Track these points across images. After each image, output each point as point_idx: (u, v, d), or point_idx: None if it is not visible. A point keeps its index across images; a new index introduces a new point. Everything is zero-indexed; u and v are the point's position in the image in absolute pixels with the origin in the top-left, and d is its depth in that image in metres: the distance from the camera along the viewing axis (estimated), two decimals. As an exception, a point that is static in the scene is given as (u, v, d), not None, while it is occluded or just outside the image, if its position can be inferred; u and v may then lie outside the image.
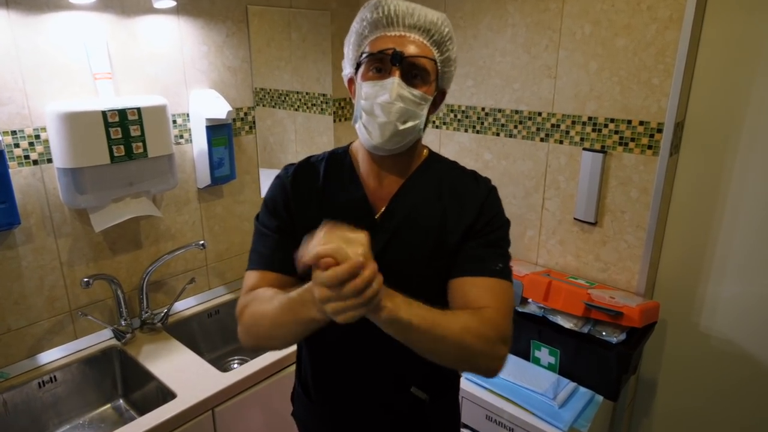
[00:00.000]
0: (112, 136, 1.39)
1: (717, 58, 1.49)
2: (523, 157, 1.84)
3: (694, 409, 1.75)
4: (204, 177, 1.73)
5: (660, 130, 1.51)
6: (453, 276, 0.88)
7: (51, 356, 1.50)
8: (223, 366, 1.82)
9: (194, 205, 1.78)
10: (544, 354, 1.60)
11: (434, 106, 0.92)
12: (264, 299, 0.84)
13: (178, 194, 1.72)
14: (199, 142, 1.69)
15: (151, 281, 1.69)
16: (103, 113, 1.36)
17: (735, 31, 1.45)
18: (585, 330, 1.50)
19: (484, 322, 0.79)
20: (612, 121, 1.60)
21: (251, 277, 0.92)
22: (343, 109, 2.19)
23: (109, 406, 1.59)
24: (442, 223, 0.90)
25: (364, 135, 0.88)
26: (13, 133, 1.33)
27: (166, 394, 1.39)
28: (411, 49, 0.84)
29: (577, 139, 1.69)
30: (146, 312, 1.67)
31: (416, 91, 0.85)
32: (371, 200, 0.93)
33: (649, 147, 1.54)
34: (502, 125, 1.86)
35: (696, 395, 1.73)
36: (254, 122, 1.90)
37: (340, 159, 0.98)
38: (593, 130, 1.65)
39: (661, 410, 1.84)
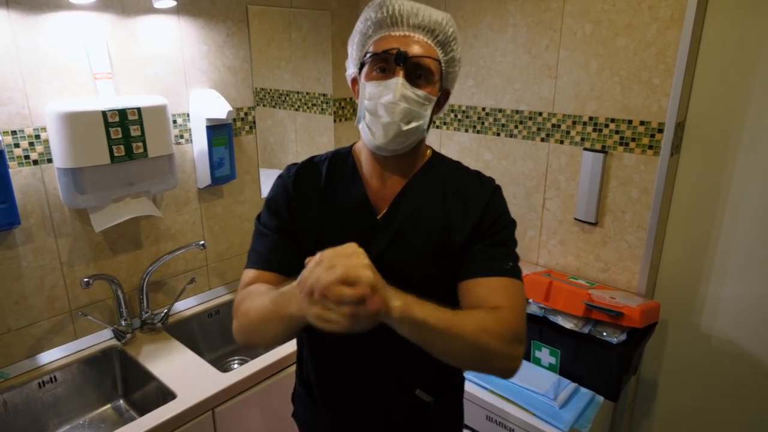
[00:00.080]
0: (113, 136, 1.39)
1: (718, 58, 1.49)
2: (524, 157, 1.83)
3: (695, 410, 1.74)
4: (204, 177, 1.72)
5: (661, 130, 1.51)
6: (463, 278, 0.87)
7: (51, 356, 1.50)
8: (223, 366, 1.82)
9: (194, 205, 1.78)
10: (544, 354, 1.60)
11: (438, 106, 0.92)
12: (257, 294, 0.84)
13: (179, 194, 1.72)
14: (200, 142, 1.69)
15: (152, 281, 1.69)
16: (104, 113, 1.36)
17: (736, 30, 1.44)
18: (585, 330, 1.50)
19: (501, 322, 0.78)
20: (613, 121, 1.60)
21: (248, 275, 0.92)
22: (343, 109, 2.19)
23: (109, 406, 1.59)
24: (446, 223, 0.90)
25: (368, 135, 0.88)
26: (13, 133, 1.33)
27: (166, 395, 1.39)
28: (415, 49, 0.83)
29: (577, 139, 1.69)
30: (146, 312, 1.66)
31: (420, 92, 0.84)
32: (373, 200, 0.92)
33: (650, 147, 1.54)
34: (503, 125, 1.86)
35: (697, 395, 1.73)
36: (254, 122, 1.90)
37: (343, 159, 0.97)
38: (594, 130, 1.64)
39: (662, 411, 1.83)
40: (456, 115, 1.99)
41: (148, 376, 1.47)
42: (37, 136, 1.37)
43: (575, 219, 1.74)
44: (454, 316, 0.75)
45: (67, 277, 1.50)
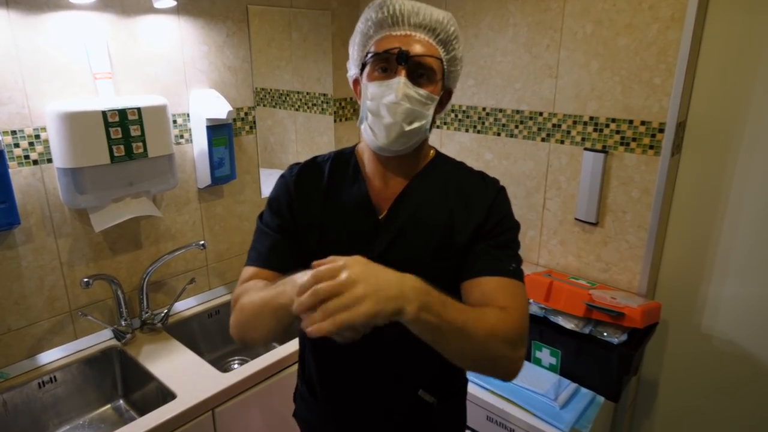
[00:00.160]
0: (112, 136, 1.39)
1: (719, 58, 1.48)
2: (524, 157, 1.83)
3: (696, 410, 1.74)
4: (204, 177, 1.72)
5: (662, 130, 1.51)
6: (465, 277, 0.87)
7: (51, 356, 1.50)
8: (223, 366, 1.82)
9: (194, 205, 1.77)
10: (545, 355, 1.60)
11: (441, 105, 0.91)
12: (254, 290, 0.84)
13: (179, 194, 1.72)
14: (200, 142, 1.69)
15: (151, 281, 1.69)
16: (103, 113, 1.36)
17: (737, 30, 1.44)
18: (586, 331, 1.50)
19: (509, 325, 0.77)
20: (613, 120, 1.60)
21: (247, 272, 0.92)
22: (343, 109, 2.19)
23: (109, 406, 1.58)
24: (449, 223, 0.89)
25: (370, 136, 0.87)
26: (13, 133, 1.33)
27: (166, 395, 1.39)
28: (417, 48, 0.83)
29: (578, 139, 1.68)
30: (146, 312, 1.66)
31: (422, 91, 0.84)
32: (375, 201, 0.92)
33: (651, 147, 1.54)
34: (503, 125, 1.86)
35: (697, 396, 1.73)
36: (255, 122, 1.90)
37: (345, 159, 0.97)
38: (594, 130, 1.64)
39: (663, 411, 1.83)
40: (456, 115, 1.98)
41: (148, 377, 1.47)
42: (37, 136, 1.37)
43: (576, 219, 1.74)
44: (467, 318, 0.73)
45: (67, 277, 1.50)
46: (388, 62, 0.84)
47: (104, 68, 1.44)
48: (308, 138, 2.14)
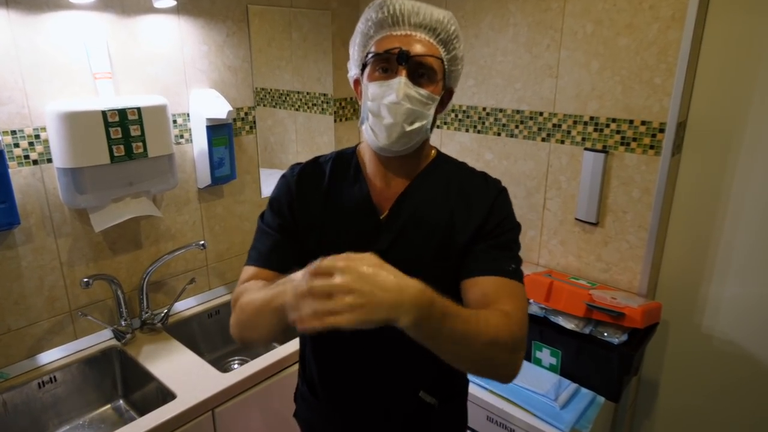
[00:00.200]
0: (112, 136, 1.39)
1: (719, 58, 1.48)
2: (525, 157, 1.83)
3: (696, 410, 1.74)
4: (204, 177, 1.72)
5: (662, 130, 1.51)
6: (465, 276, 0.87)
7: (51, 356, 1.50)
8: (223, 366, 1.82)
9: (194, 205, 1.77)
10: (545, 355, 1.60)
11: (442, 105, 0.91)
12: (253, 289, 0.84)
13: (179, 194, 1.72)
14: (200, 141, 1.69)
15: (151, 281, 1.69)
16: (103, 113, 1.36)
17: (737, 30, 1.44)
18: (586, 331, 1.49)
19: (510, 330, 0.76)
20: (614, 120, 1.59)
21: (247, 272, 0.92)
22: (343, 109, 2.19)
23: (109, 406, 1.58)
24: (450, 223, 0.89)
25: (371, 137, 0.87)
26: (13, 132, 1.33)
27: (166, 395, 1.39)
28: (417, 48, 0.83)
29: (578, 138, 1.68)
30: (146, 312, 1.66)
31: (423, 91, 0.84)
32: (376, 201, 0.92)
33: (651, 147, 1.54)
34: (504, 125, 1.86)
35: (698, 396, 1.73)
36: (255, 122, 1.90)
37: (347, 159, 0.97)
38: (595, 130, 1.64)
39: (663, 411, 1.83)
40: (457, 115, 1.98)
41: (148, 377, 1.47)
42: (37, 136, 1.37)
43: (576, 219, 1.74)
44: (467, 327, 0.71)
45: (66, 277, 1.50)
46: (388, 62, 0.84)
47: (104, 68, 1.43)
48: (308, 138, 2.14)
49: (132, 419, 1.40)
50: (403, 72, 0.83)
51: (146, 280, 1.64)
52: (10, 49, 1.29)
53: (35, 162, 1.38)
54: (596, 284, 1.69)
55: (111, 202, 1.47)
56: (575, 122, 1.68)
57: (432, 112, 0.87)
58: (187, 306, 1.82)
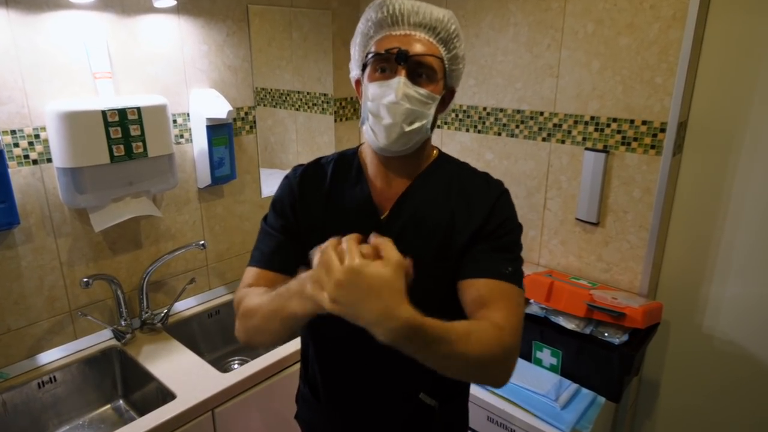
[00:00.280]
0: (112, 136, 1.38)
1: (720, 57, 1.48)
2: (525, 156, 1.83)
3: (697, 410, 1.74)
4: (204, 177, 1.72)
5: (663, 130, 1.50)
6: (462, 277, 0.86)
7: (51, 356, 1.50)
8: (223, 366, 1.82)
9: (194, 205, 1.77)
10: (546, 355, 1.60)
11: (443, 105, 0.91)
12: (256, 294, 0.84)
13: (179, 194, 1.72)
14: (200, 141, 1.69)
15: (151, 281, 1.69)
16: (103, 113, 1.36)
17: (738, 29, 1.44)
18: (587, 331, 1.49)
19: (500, 345, 0.75)
20: (614, 120, 1.59)
21: (249, 273, 0.92)
22: (344, 108, 2.18)
23: (108, 406, 1.58)
24: (450, 223, 0.89)
25: (371, 137, 0.88)
26: (13, 132, 1.33)
27: (165, 395, 1.38)
28: (417, 48, 0.83)
29: (579, 138, 1.68)
30: (146, 312, 1.66)
31: (422, 90, 0.84)
32: (377, 201, 0.92)
33: (652, 147, 1.53)
34: (504, 125, 1.86)
35: (699, 396, 1.72)
36: (255, 122, 1.89)
37: (348, 160, 0.97)
38: (595, 130, 1.64)
39: (664, 411, 1.83)
40: (457, 115, 1.98)
41: (148, 377, 1.47)
42: (37, 136, 1.37)
43: (577, 219, 1.74)
44: (451, 349, 0.70)
45: (66, 277, 1.49)
46: (387, 62, 0.84)
47: (104, 68, 1.43)
48: (308, 138, 2.13)
49: (132, 419, 1.40)
50: (403, 72, 0.82)
51: (146, 280, 1.64)
52: (10, 49, 1.29)
53: (35, 162, 1.38)
54: (597, 284, 1.68)
55: (111, 201, 1.47)
56: (576, 122, 1.67)
57: (432, 111, 0.86)
58: (187, 306, 1.81)
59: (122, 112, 1.39)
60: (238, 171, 1.85)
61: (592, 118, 1.64)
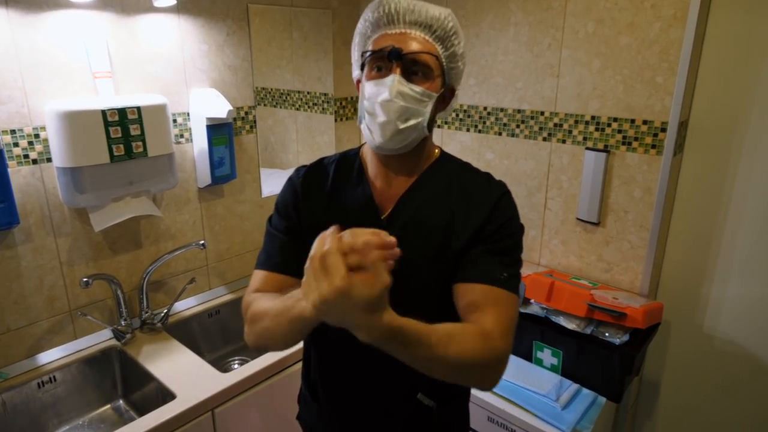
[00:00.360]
0: (112, 135, 1.38)
1: (721, 57, 1.48)
2: (526, 156, 1.82)
3: (698, 410, 1.73)
4: (204, 176, 1.72)
5: (664, 129, 1.50)
6: (457, 280, 0.86)
7: (50, 356, 1.49)
8: (223, 366, 1.82)
9: (194, 205, 1.77)
10: (546, 355, 1.59)
11: (443, 104, 0.91)
12: (265, 299, 0.84)
13: (179, 194, 1.71)
14: (200, 141, 1.68)
15: (151, 281, 1.68)
16: (103, 112, 1.35)
17: (739, 29, 1.43)
18: (588, 331, 1.49)
19: (485, 352, 0.75)
20: (615, 120, 1.59)
21: (256, 277, 0.92)
22: (344, 108, 2.18)
23: (108, 406, 1.58)
24: (450, 224, 0.88)
25: (368, 136, 0.88)
26: (13, 132, 1.33)
27: (165, 395, 1.38)
28: (412, 46, 0.83)
29: (579, 138, 1.68)
30: (146, 312, 1.66)
31: (417, 87, 0.84)
32: (378, 201, 0.92)
33: (653, 146, 1.53)
34: (505, 124, 1.85)
35: (700, 396, 1.72)
36: (255, 121, 1.89)
37: (350, 160, 0.98)
38: (596, 130, 1.63)
39: (665, 412, 1.82)
40: (457, 115, 1.98)
41: (148, 377, 1.46)
42: (37, 135, 1.37)
43: (577, 219, 1.73)
44: (431, 354, 0.70)
45: (66, 277, 1.49)
46: (383, 61, 0.84)
47: (104, 67, 1.43)
48: (309, 137, 2.13)
49: (132, 419, 1.40)
50: (397, 70, 0.82)
51: (146, 279, 1.64)
52: (10, 48, 1.29)
53: (35, 161, 1.38)
54: (597, 284, 1.68)
55: (111, 201, 1.47)
56: (576, 122, 1.67)
57: (428, 109, 0.86)
58: (187, 306, 1.81)
59: (122, 112, 1.39)
60: (239, 171, 1.85)
61: (593, 117, 1.63)
